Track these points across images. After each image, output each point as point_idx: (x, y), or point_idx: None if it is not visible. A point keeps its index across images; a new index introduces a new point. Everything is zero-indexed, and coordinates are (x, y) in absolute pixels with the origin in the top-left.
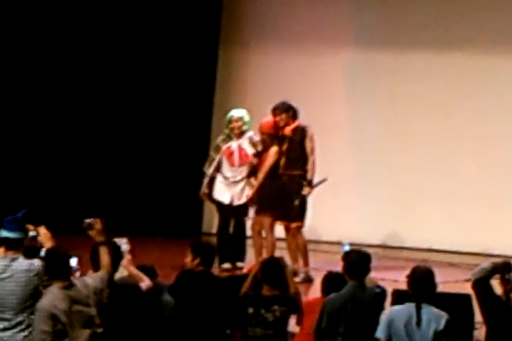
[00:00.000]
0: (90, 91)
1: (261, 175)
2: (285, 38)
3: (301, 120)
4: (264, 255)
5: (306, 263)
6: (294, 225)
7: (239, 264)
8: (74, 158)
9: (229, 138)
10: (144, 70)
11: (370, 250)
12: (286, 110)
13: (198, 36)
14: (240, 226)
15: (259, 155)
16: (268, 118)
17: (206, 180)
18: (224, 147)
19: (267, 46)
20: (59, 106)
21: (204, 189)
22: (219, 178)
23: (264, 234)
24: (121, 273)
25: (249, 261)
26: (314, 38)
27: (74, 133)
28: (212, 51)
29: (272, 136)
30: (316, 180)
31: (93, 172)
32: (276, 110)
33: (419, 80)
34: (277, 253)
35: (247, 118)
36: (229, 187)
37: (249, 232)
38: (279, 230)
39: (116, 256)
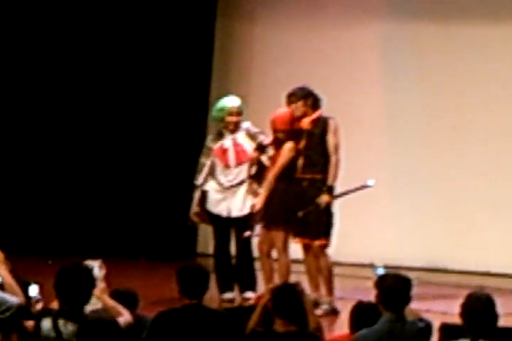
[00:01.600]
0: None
1: (270, 178)
2: (300, 7)
3: (324, 110)
4: (276, 281)
5: (330, 291)
6: (317, 243)
7: (248, 295)
8: (46, 168)
9: (220, 135)
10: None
11: (410, 274)
12: (304, 97)
13: (193, 7)
14: (245, 246)
15: (262, 149)
16: (281, 110)
17: (197, 196)
18: (215, 147)
19: (277, 17)
20: (34, 112)
21: (195, 207)
22: (212, 186)
23: (275, 254)
24: (94, 304)
25: (260, 290)
26: (338, 5)
27: (49, 143)
28: (208, 25)
29: (288, 133)
30: (340, 186)
31: (64, 183)
32: (292, 97)
33: (473, 59)
34: (292, 279)
35: (244, 108)
36: (225, 196)
37: (256, 253)
38: (295, 249)
39: (87, 283)
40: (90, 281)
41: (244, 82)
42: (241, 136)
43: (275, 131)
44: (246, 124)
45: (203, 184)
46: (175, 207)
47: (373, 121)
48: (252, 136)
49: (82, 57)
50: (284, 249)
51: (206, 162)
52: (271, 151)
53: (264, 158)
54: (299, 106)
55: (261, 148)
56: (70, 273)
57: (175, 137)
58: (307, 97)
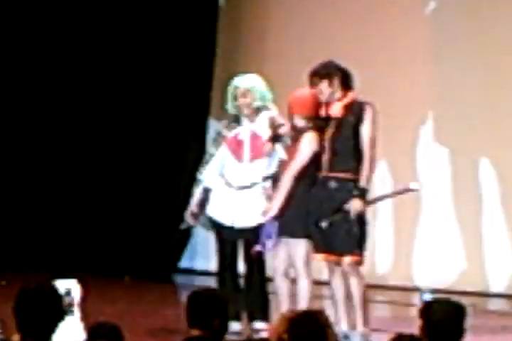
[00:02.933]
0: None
1: (287, 178)
2: None
3: (359, 92)
4: (294, 308)
5: (364, 322)
6: (347, 260)
7: (258, 325)
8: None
9: (236, 121)
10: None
11: (465, 300)
12: (329, 76)
13: None
14: (256, 263)
15: (277, 140)
16: (301, 90)
17: (197, 193)
18: (229, 135)
19: None
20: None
21: (193, 207)
22: (218, 185)
23: (293, 274)
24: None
25: (274, 320)
26: None
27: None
28: None
29: (310, 120)
30: (376, 190)
31: (32, 185)
32: (315, 76)
33: None
34: (315, 306)
35: (261, 88)
36: (232, 200)
37: (270, 272)
38: (318, 268)
39: (54, 308)
40: (58, 306)
41: (257, 58)
42: (262, 127)
43: (292, 116)
44: (272, 113)
45: (207, 179)
46: (168, 211)
47: (419, 107)
48: (275, 128)
49: (78, 43)
50: (305, 267)
51: (216, 153)
52: (288, 142)
53: (280, 150)
54: (323, 89)
55: (275, 139)
56: (33, 295)
57: (168, 129)
58: (332, 76)
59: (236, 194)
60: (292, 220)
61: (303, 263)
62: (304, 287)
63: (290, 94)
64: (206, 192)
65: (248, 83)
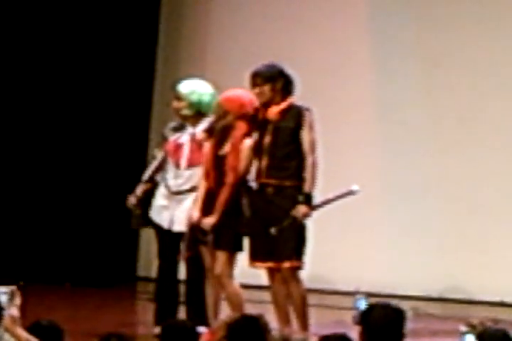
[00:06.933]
0: None
1: (229, 189)
2: None
3: (298, 97)
4: (225, 312)
5: (304, 326)
6: (286, 265)
7: (198, 330)
8: None
9: (181, 126)
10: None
11: (405, 304)
12: (272, 80)
13: None
14: (197, 267)
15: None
16: (236, 92)
17: (138, 192)
18: (170, 138)
19: None
20: None
21: (135, 204)
22: (160, 188)
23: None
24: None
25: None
26: None
27: None
28: None
29: (245, 117)
30: (321, 194)
31: None
32: (257, 78)
33: (492, 27)
34: (256, 310)
35: (197, 96)
36: (170, 203)
37: None
38: (258, 271)
39: None
40: None
41: (198, 62)
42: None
43: (225, 115)
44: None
45: (147, 181)
46: (109, 216)
47: (360, 111)
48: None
49: (19, 41)
50: (229, 273)
51: (158, 155)
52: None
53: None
54: (264, 91)
55: (211, 131)
56: None
57: (111, 133)
58: (276, 80)
59: (173, 198)
60: (218, 230)
61: (227, 271)
62: (232, 293)
63: (222, 94)
64: (151, 190)
65: (187, 88)
